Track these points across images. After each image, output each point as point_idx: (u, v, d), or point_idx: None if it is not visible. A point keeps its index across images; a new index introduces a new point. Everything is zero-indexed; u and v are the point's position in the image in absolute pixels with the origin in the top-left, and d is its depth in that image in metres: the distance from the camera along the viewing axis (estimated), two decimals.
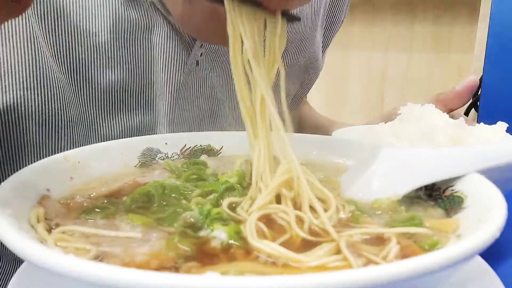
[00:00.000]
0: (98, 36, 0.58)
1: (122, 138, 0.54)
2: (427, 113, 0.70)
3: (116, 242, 0.33)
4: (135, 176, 0.48)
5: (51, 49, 0.57)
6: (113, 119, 0.63)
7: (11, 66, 0.54)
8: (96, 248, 0.31)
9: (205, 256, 0.32)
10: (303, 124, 1.06)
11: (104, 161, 0.48)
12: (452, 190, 0.40)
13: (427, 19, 1.91)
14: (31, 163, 0.41)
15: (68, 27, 0.57)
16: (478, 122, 0.71)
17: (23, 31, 0.54)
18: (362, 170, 0.46)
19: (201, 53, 0.66)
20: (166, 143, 0.54)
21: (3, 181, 0.35)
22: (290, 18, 0.41)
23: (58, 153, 0.45)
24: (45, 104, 0.57)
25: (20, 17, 0.53)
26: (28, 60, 0.55)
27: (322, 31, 0.89)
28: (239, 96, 0.40)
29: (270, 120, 0.40)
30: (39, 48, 0.55)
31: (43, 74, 0.56)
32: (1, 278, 0.66)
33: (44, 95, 0.57)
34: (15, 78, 0.54)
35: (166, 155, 0.54)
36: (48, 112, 0.57)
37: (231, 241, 0.33)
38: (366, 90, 2.15)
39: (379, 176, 0.45)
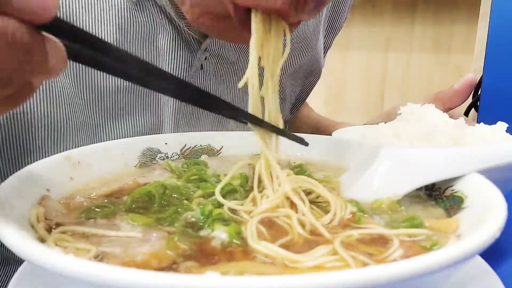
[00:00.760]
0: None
1: None
2: (427, 113, 0.70)
3: (116, 242, 0.33)
4: (135, 176, 0.48)
5: None
6: (118, 123, 0.63)
7: None
8: (96, 248, 0.31)
9: (205, 256, 0.32)
10: (303, 124, 1.06)
11: (104, 161, 0.48)
12: (452, 190, 0.40)
13: (427, 19, 1.91)
14: None
15: None
16: (478, 122, 0.70)
17: None
18: (362, 170, 0.46)
19: (206, 57, 0.66)
20: (166, 143, 0.54)
21: None
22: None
23: None
24: (51, 110, 0.57)
25: None
26: None
27: (324, 35, 0.89)
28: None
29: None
30: None
31: (49, 80, 0.56)
32: (1, 278, 0.66)
33: (51, 101, 0.57)
34: None
35: (166, 155, 0.54)
36: (55, 118, 0.58)
37: (232, 241, 0.33)
38: (366, 90, 2.15)
39: (379, 176, 0.45)
